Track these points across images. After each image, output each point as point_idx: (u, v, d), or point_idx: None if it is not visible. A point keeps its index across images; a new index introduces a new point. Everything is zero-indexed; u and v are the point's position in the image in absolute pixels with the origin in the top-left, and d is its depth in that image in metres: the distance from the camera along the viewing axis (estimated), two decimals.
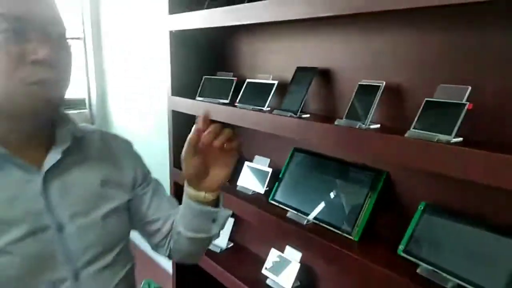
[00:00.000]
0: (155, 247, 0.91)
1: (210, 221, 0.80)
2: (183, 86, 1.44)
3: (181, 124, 1.45)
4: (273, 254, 1.28)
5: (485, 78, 0.78)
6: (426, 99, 0.81)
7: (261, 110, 1.13)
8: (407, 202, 0.93)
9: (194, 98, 1.38)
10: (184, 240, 0.82)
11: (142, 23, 2.15)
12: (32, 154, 0.68)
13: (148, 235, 0.89)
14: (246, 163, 1.34)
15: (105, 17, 2.64)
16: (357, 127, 0.88)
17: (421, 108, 0.81)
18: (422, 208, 0.87)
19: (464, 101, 0.75)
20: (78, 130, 0.76)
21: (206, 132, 0.71)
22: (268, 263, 1.28)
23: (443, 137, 0.73)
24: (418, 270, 0.81)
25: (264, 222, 1.14)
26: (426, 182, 0.89)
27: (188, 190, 0.78)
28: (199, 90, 1.41)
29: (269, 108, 1.14)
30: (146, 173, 0.87)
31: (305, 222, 1.04)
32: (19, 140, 0.67)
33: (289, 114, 1.04)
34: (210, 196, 0.77)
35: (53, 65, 0.63)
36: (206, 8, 1.28)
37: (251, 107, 1.16)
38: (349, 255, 0.90)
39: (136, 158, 0.86)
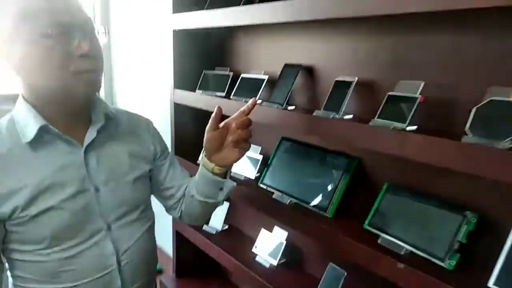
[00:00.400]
0: (169, 209, 1.10)
1: (217, 189, 0.98)
2: (185, 80, 1.57)
3: (182, 115, 1.59)
4: (263, 234, 1.42)
5: (436, 74, 0.90)
6: (388, 93, 0.94)
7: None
8: (376, 183, 1.06)
9: (194, 91, 1.52)
10: (197, 203, 1.01)
11: (147, 21, 2.29)
12: (75, 132, 0.86)
13: (164, 199, 1.08)
14: None
15: (114, 16, 2.78)
16: (331, 117, 1.01)
17: (384, 101, 0.94)
18: (385, 188, 1.00)
19: (417, 95, 0.88)
20: (109, 111, 0.92)
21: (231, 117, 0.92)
22: (258, 242, 1.42)
23: (398, 125, 0.85)
24: (379, 241, 0.93)
25: (254, 204, 1.27)
26: (390, 165, 1.02)
27: (203, 158, 0.97)
28: (198, 84, 1.55)
29: (260, 101, 1.27)
30: (164, 148, 1.06)
31: (287, 202, 1.17)
32: (65, 121, 0.85)
33: (276, 106, 1.17)
34: (217, 170, 0.95)
35: (93, 56, 0.80)
36: (206, 9, 1.42)
37: (244, 99, 1.30)
38: (324, 229, 1.03)
39: (155, 135, 1.04)
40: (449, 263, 0.81)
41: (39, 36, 0.76)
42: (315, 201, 1.12)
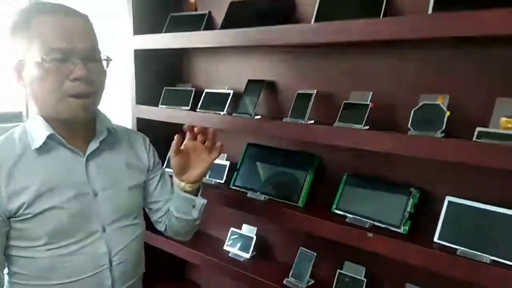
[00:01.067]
0: (155, 223, 1.18)
1: (190, 206, 1.08)
2: (146, 97, 1.66)
3: (145, 129, 1.67)
4: (232, 232, 1.56)
5: (380, 86, 1.17)
6: (344, 101, 1.18)
7: (219, 114, 1.42)
8: (336, 175, 1.28)
9: (157, 106, 1.62)
10: (174, 218, 1.10)
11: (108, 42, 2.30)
12: (78, 142, 0.97)
13: (151, 212, 1.16)
14: None
15: None
16: (299, 122, 1.21)
17: (341, 107, 1.17)
18: (345, 177, 1.23)
19: (368, 102, 1.12)
20: (111, 127, 1.02)
21: (187, 139, 1.02)
22: (228, 241, 1.56)
23: (357, 126, 1.09)
24: (347, 220, 1.16)
25: (229, 204, 1.42)
26: (347, 159, 1.26)
27: (174, 178, 1.08)
28: (160, 99, 1.65)
29: (225, 113, 1.43)
30: (157, 162, 1.15)
31: (262, 198, 1.34)
32: (70, 132, 0.95)
33: (246, 116, 1.34)
34: (188, 187, 1.06)
35: (89, 81, 0.89)
36: (164, 32, 1.55)
37: (211, 112, 1.45)
38: (297, 216, 1.22)
39: (150, 150, 1.14)
40: (403, 229, 1.07)
41: (41, 59, 0.85)
42: (287, 195, 1.31)
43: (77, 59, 0.87)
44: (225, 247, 1.55)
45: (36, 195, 0.88)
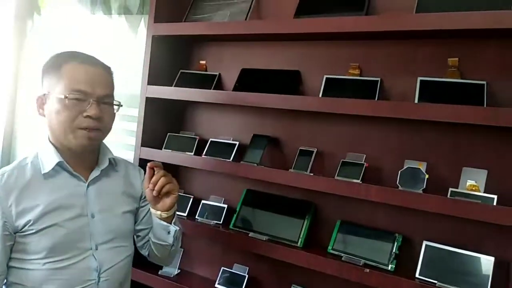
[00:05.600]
0: (140, 248, 1.32)
1: (166, 232, 1.19)
2: (151, 140, 1.80)
3: None
4: (223, 272, 1.69)
5: (372, 150, 1.46)
6: (342, 160, 1.44)
7: (226, 161, 1.61)
8: (330, 220, 1.51)
9: (160, 149, 1.77)
10: (153, 244, 1.23)
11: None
12: (82, 169, 1.13)
13: (138, 238, 1.30)
14: (203, 201, 1.76)
15: None
16: (303, 173, 1.45)
17: (339, 165, 1.43)
18: (338, 223, 1.47)
19: (363, 162, 1.40)
20: (112, 158, 1.20)
21: (150, 187, 1.13)
22: (219, 280, 1.68)
23: (355, 180, 1.35)
24: (343, 258, 1.37)
25: (230, 243, 1.57)
26: (341, 207, 1.50)
27: (150, 208, 1.19)
28: (164, 144, 1.80)
29: (230, 160, 1.62)
30: None
31: (264, 239, 1.52)
32: (76, 160, 1.12)
33: (254, 164, 1.55)
34: (164, 214, 1.16)
35: (99, 119, 1.08)
36: (174, 85, 1.76)
37: (219, 158, 1.63)
38: (299, 253, 1.41)
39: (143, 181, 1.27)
40: (391, 267, 1.31)
41: (63, 96, 1.05)
42: (287, 237, 1.50)
43: (93, 101, 1.06)
44: (216, 285, 1.66)
45: (42, 213, 1.03)
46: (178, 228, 1.21)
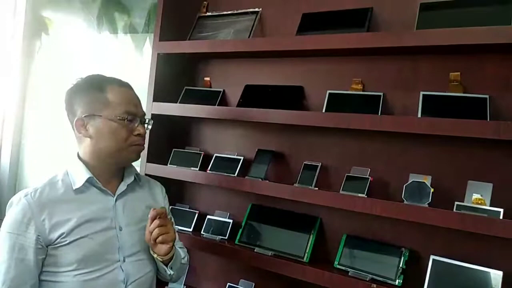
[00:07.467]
0: None
1: (164, 271, 1.23)
2: (156, 156, 1.82)
3: None
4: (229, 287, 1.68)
5: (376, 164, 1.46)
6: (346, 174, 1.45)
7: (231, 176, 1.62)
8: (335, 235, 1.51)
9: (165, 165, 1.78)
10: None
11: None
12: (110, 184, 1.20)
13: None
14: (208, 216, 1.76)
15: None
16: (308, 188, 1.45)
17: (344, 179, 1.44)
18: (344, 237, 1.46)
19: (367, 176, 1.41)
20: (136, 174, 1.27)
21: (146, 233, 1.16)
22: None
23: (360, 194, 1.35)
24: (349, 273, 1.36)
25: (235, 259, 1.56)
26: (346, 221, 1.50)
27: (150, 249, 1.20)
28: (169, 159, 1.82)
29: (235, 175, 1.63)
30: (169, 209, 1.35)
31: (269, 254, 1.51)
32: (105, 176, 1.19)
33: (259, 179, 1.56)
34: (160, 259, 1.18)
35: (144, 137, 1.21)
36: (179, 102, 1.79)
37: (224, 173, 1.64)
38: (305, 268, 1.41)
39: (165, 198, 1.38)
40: (398, 282, 1.30)
41: (116, 118, 1.12)
42: (293, 252, 1.50)
43: (138, 120, 1.19)
44: None
45: (74, 226, 1.09)
46: (173, 273, 1.24)
